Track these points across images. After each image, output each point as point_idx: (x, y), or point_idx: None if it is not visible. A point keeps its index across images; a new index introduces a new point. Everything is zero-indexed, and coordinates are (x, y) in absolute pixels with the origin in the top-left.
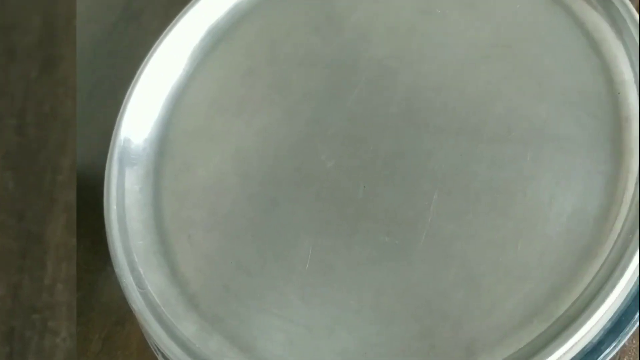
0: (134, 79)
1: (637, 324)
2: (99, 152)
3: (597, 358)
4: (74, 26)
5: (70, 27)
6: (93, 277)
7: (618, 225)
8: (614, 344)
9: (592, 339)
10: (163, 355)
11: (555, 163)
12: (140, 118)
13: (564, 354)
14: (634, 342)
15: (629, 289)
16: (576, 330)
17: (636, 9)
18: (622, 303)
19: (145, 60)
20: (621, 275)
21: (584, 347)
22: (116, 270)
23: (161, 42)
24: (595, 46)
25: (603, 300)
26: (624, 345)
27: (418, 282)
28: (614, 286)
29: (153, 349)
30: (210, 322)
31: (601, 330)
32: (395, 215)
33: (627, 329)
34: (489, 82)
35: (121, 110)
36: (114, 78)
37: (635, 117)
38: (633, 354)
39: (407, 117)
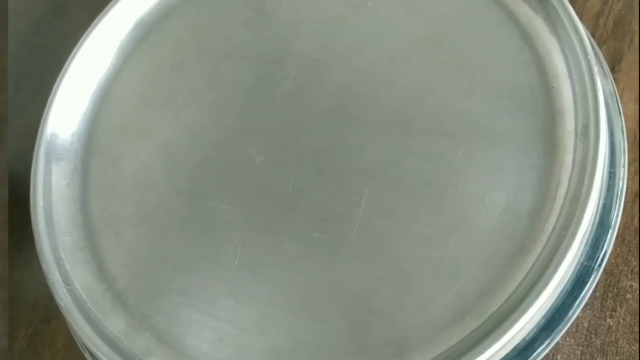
0: (61, 73)
1: (571, 321)
2: (25, 147)
3: (531, 355)
4: (6, 18)
5: (3, 19)
6: (19, 273)
7: (551, 221)
8: (547, 342)
9: (526, 336)
10: (90, 353)
11: (488, 158)
12: (67, 112)
13: (497, 351)
14: (567, 339)
15: (562, 286)
16: (509, 328)
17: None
18: (556, 300)
19: (72, 53)
20: (554, 271)
21: (517, 345)
22: (43, 266)
23: (88, 35)
24: (528, 39)
25: (536, 297)
26: (558, 343)
27: (348, 279)
28: (547, 283)
29: (80, 347)
30: (138, 319)
31: (534, 327)
32: (325, 211)
33: (561, 326)
34: (420, 76)
35: (48, 105)
36: (40, 72)
37: (569, 111)
38: (567, 351)
39: (338, 111)
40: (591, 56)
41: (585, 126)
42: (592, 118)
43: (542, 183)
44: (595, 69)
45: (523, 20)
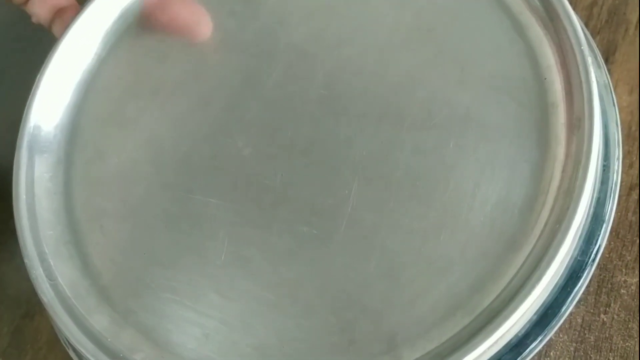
0: (44, 64)
1: (564, 317)
2: (8, 139)
3: (523, 352)
4: None
5: None
6: (1, 268)
7: (544, 215)
8: (540, 338)
9: (518, 332)
10: (74, 350)
11: (479, 151)
12: (50, 104)
13: (489, 348)
14: (561, 336)
15: (555, 281)
16: (501, 324)
17: None
18: (549, 296)
19: (56, 43)
20: (547, 266)
21: (510, 341)
22: (25, 261)
23: (72, 24)
24: (520, 30)
25: (529, 293)
26: (551, 339)
27: (337, 274)
28: (539, 278)
29: (63, 343)
30: (123, 315)
31: (527, 323)
32: (313, 204)
33: (554, 322)
34: (410, 67)
35: (30, 96)
36: (23, 62)
37: (562, 103)
38: (560, 348)
39: (327, 103)
40: (585, 47)
41: (579, 119)
42: (585, 110)
43: (535, 176)
44: (589, 60)
45: (515, 10)
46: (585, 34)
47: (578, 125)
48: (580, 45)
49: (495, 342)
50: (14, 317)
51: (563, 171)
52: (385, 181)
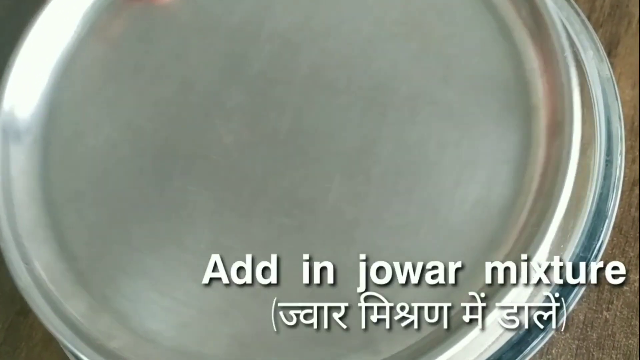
0: (19, 42)
1: (566, 314)
2: None
3: (525, 350)
4: None
5: None
6: None
7: (524, 216)
8: (541, 335)
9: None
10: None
11: (461, 149)
12: (27, 83)
13: (490, 345)
14: (563, 333)
15: None
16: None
17: None
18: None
19: (33, 19)
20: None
21: (511, 338)
22: (1, 244)
23: (50, 1)
24: (506, 31)
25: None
26: (553, 337)
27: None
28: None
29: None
30: (100, 301)
31: None
32: (295, 196)
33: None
34: (395, 62)
35: (5, 75)
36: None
37: (544, 106)
38: (562, 345)
39: (310, 94)
40: (568, 54)
41: (560, 123)
42: (566, 116)
43: (516, 177)
44: (573, 66)
45: (502, 11)
46: (587, 27)
47: (559, 129)
48: (563, 52)
49: (497, 339)
50: (8, 313)
51: (542, 174)
52: (366, 175)
